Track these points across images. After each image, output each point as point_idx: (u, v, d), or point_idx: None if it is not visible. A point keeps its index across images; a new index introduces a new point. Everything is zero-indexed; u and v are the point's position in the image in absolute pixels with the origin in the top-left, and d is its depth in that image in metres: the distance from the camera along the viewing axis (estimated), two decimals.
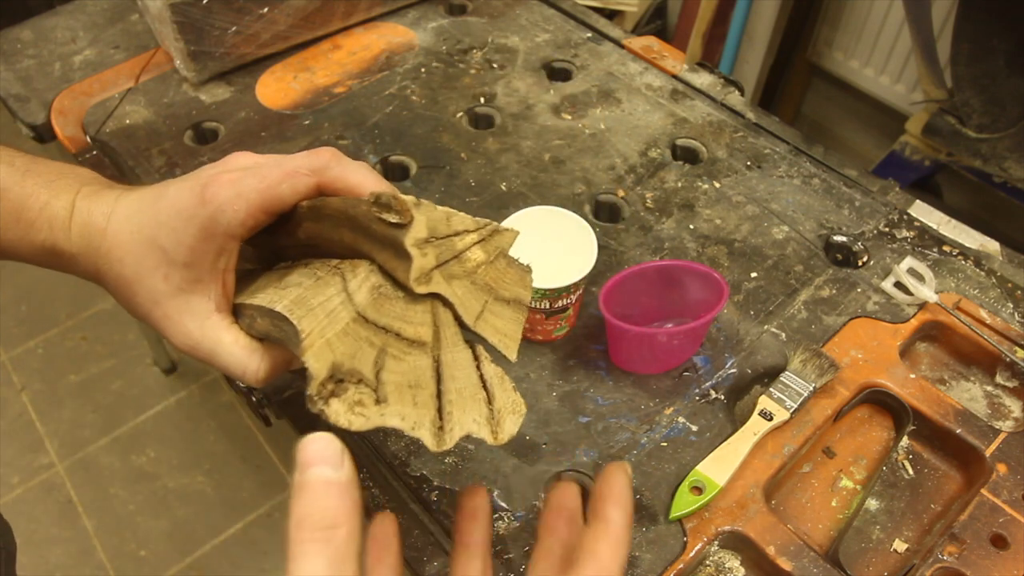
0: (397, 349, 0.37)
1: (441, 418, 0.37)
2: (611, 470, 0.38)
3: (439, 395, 0.37)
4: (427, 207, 0.38)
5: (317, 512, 0.30)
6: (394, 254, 0.38)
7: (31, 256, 0.44)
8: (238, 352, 0.42)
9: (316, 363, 0.34)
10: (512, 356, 0.40)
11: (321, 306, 0.37)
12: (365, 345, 0.36)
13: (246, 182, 0.40)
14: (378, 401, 0.35)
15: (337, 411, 0.34)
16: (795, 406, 0.59)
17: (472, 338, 0.40)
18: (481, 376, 0.39)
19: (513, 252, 0.63)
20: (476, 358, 0.39)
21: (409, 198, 0.37)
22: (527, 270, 0.43)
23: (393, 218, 0.37)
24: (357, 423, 0.34)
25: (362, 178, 0.42)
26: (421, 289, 0.37)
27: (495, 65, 0.94)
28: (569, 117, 0.87)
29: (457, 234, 0.39)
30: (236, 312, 0.44)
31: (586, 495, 0.40)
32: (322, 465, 0.31)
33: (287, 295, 0.39)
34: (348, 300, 0.38)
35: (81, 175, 0.45)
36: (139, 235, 0.41)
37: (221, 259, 0.42)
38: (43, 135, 0.89)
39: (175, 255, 0.40)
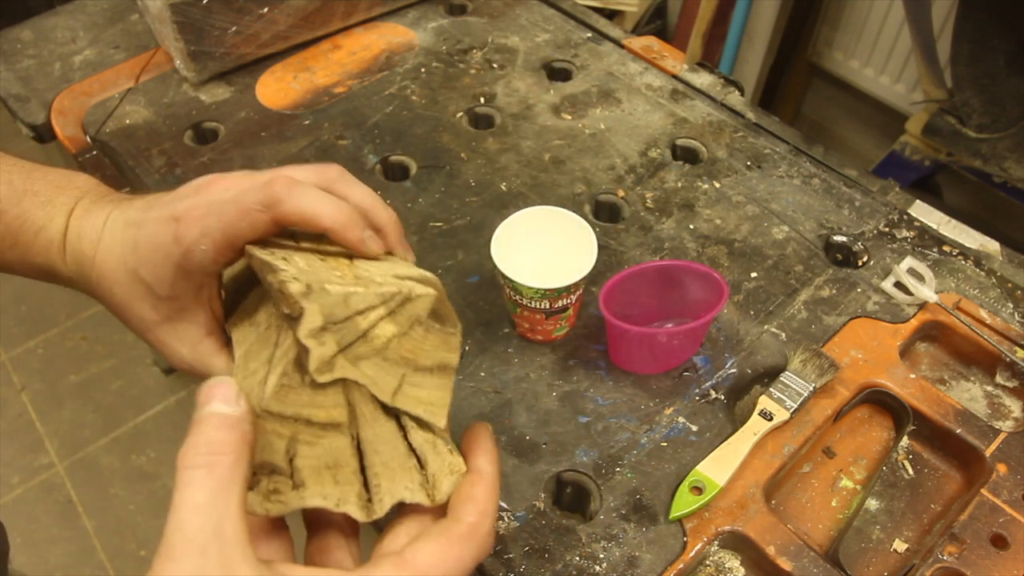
0: (309, 435, 0.36)
1: (368, 491, 0.37)
2: (475, 428, 0.40)
3: (363, 470, 0.37)
4: (320, 293, 0.36)
5: (203, 442, 0.31)
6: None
7: (31, 275, 0.45)
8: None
9: None
10: (441, 423, 0.38)
11: (246, 380, 0.38)
12: (273, 437, 0.36)
13: (208, 220, 0.39)
14: (295, 486, 0.35)
15: (253, 502, 0.34)
16: (795, 406, 0.59)
17: (369, 392, 0.38)
18: (409, 445, 0.38)
19: (511, 254, 0.63)
20: (402, 428, 0.38)
21: (299, 287, 0.35)
22: (451, 332, 0.40)
23: (285, 309, 0.36)
24: (276, 510, 0.35)
25: (316, 208, 0.39)
26: (323, 378, 0.36)
27: (495, 65, 0.94)
28: (569, 117, 0.87)
29: (360, 312, 0.37)
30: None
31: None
32: (216, 401, 0.32)
33: (246, 339, 0.40)
34: (263, 383, 0.37)
35: (78, 187, 0.45)
36: (124, 267, 0.41)
37: (203, 291, 0.42)
38: (43, 135, 0.89)
39: (158, 289, 0.41)
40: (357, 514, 0.36)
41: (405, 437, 0.38)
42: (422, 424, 0.39)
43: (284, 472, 0.35)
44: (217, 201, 0.40)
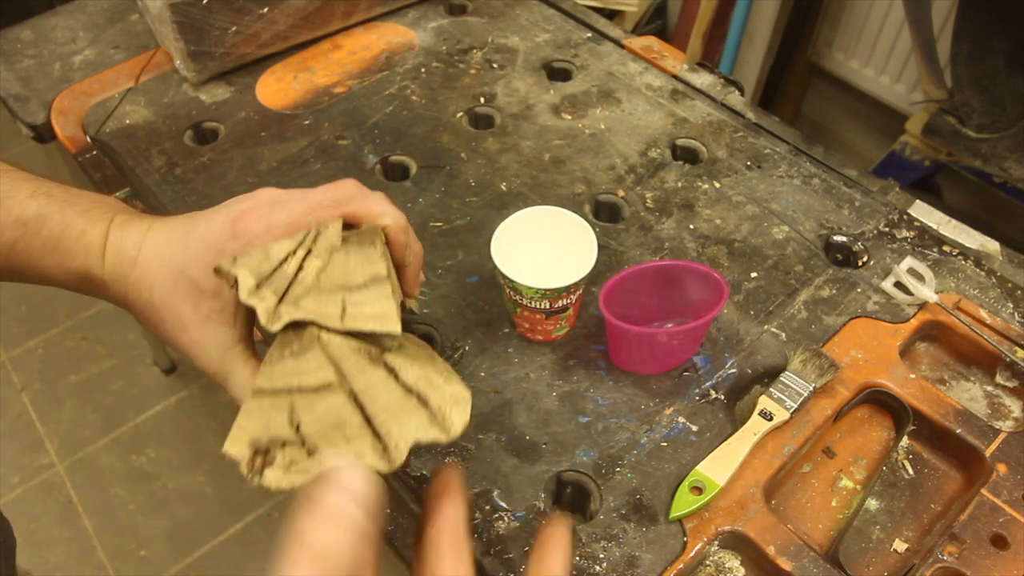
0: (306, 401, 0.38)
1: (381, 439, 0.37)
2: (552, 526, 0.38)
3: (368, 421, 0.38)
4: (244, 258, 0.40)
5: (344, 554, 0.29)
6: None
7: (64, 281, 0.46)
8: (248, 388, 0.44)
9: (234, 448, 0.36)
10: (395, 329, 0.40)
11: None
12: (273, 412, 0.37)
13: (275, 217, 0.42)
14: (310, 453, 0.36)
15: (275, 478, 0.36)
16: (795, 406, 0.59)
17: (347, 347, 0.40)
18: (404, 385, 0.39)
19: (511, 254, 0.63)
20: (392, 371, 0.39)
21: (227, 261, 0.40)
22: (368, 242, 0.43)
23: (228, 286, 0.40)
24: (299, 480, 0.36)
25: (381, 209, 0.44)
26: (275, 327, 0.39)
27: (495, 65, 0.94)
28: (569, 117, 0.87)
29: (284, 261, 0.41)
30: None
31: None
32: (357, 507, 0.30)
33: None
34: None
35: (114, 205, 0.47)
36: (170, 266, 0.43)
37: None
38: (43, 135, 0.89)
39: (205, 285, 0.43)
40: (378, 464, 0.36)
41: (397, 379, 0.39)
42: (408, 360, 0.39)
43: (295, 442, 0.37)
44: (281, 200, 0.44)
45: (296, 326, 0.40)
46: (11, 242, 0.44)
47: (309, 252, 0.41)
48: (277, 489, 0.35)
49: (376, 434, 0.37)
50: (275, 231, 0.42)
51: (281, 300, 0.40)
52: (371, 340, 0.40)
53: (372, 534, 0.30)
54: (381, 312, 0.40)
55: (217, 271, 0.40)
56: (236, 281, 0.40)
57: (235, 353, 0.44)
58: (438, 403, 0.38)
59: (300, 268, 0.41)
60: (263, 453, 0.36)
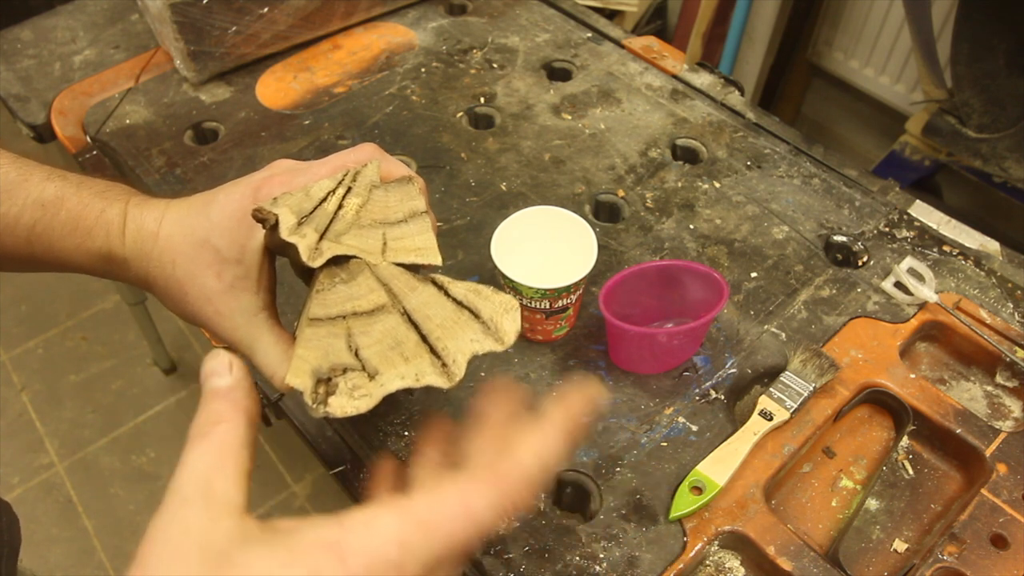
0: (361, 325, 0.38)
1: (439, 356, 0.38)
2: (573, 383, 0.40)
3: (424, 338, 0.38)
4: (284, 197, 0.41)
5: (203, 415, 0.33)
6: None
7: (85, 263, 0.46)
8: (273, 354, 0.44)
9: (297, 380, 0.36)
10: (436, 260, 0.41)
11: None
12: (330, 339, 0.38)
13: (297, 180, 0.43)
14: (371, 376, 0.37)
15: (340, 405, 0.36)
16: (795, 406, 0.59)
17: (395, 268, 0.41)
18: (454, 300, 0.39)
19: (511, 254, 0.63)
20: (440, 287, 0.40)
21: (268, 202, 0.41)
22: (405, 180, 0.44)
23: (267, 225, 0.40)
24: (364, 404, 0.36)
25: (402, 171, 0.45)
26: (316, 263, 0.39)
27: (495, 65, 0.94)
28: (569, 117, 0.87)
29: (323, 200, 0.42)
30: None
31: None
32: (212, 376, 0.34)
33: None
34: (306, 310, 0.40)
35: (127, 188, 0.48)
36: (192, 237, 0.43)
37: (265, 260, 0.44)
38: (43, 135, 0.89)
39: (228, 253, 0.43)
40: (439, 381, 0.37)
41: (447, 294, 0.40)
42: (458, 278, 0.40)
43: (356, 367, 0.37)
44: (302, 167, 0.44)
45: (338, 260, 0.40)
46: (31, 224, 0.44)
47: (349, 190, 0.42)
48: (343, 415, 0.36)
49: (433, 351, 0.38)
50: None
51: (322, 237, 0.40)
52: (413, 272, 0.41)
53: (230, 387, 0.34)
54: (423, 245, 0.41)
55: (257, 212, 0.41)
56: (277, 221, 0.40)
57: (259, 320, 0.44)
58: (489, 314, 0.39)
59: (340, 206, 0.41)
60: (325, 381, 0.36)
